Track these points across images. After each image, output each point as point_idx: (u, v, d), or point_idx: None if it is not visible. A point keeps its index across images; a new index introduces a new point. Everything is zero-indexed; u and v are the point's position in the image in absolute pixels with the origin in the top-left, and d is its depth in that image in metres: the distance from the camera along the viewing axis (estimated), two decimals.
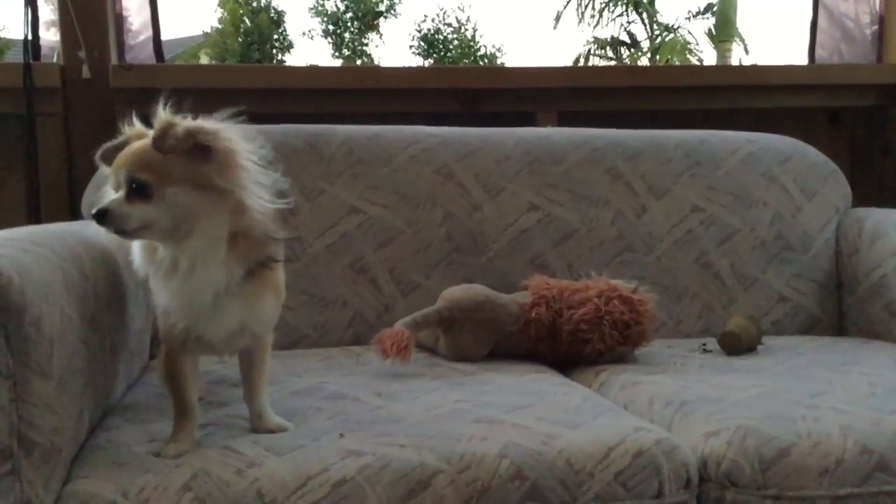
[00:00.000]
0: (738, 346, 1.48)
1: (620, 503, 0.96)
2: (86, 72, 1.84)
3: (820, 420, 1.06)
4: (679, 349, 1.51)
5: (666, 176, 1.73)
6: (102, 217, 0.94)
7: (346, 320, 1.56)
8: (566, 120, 2.03)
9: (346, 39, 9.82)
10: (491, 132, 1.75)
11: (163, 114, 0.98)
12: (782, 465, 0.99)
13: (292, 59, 8.54)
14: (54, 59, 1.88)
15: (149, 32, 2.02)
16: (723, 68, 2.20)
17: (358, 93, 1.96)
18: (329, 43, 9.85)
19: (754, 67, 2.29)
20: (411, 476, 0.92)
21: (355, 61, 9.62)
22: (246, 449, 0.97)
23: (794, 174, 1.80)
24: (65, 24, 1.84)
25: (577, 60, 10.35)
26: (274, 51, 9.41)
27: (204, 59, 9.15)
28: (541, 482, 0.94)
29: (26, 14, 1.87)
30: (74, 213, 1.84)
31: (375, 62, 9.45)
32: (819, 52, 2.27)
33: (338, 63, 9.46)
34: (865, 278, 1.69)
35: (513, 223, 1.65)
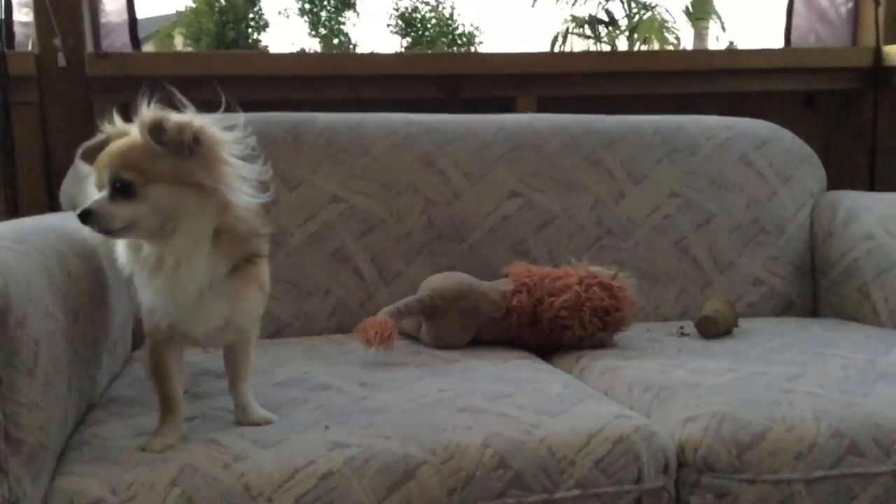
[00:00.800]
0: (714, 329, 1.51)
1: (601, 489, 0.98)
2: (61, 60, 1.82)
3: (794, 404, 1.09)
4: (657, 333, 1.54)
5: (644, 162, 1.75)
6: (87, 217, 0.94)
7: (329, 309, 1.57)
8: (546, 105, 2.03)
9: (323, 18, 9.73)
10: (471, 119, 1.76)
11: (147, 109, 0.97)
12: (757, 449, 1.02)
13: (268, 39, 8.47)
14: (29, 48, 1.85)
15: (124, 17, 2.00)
16: (700, 53, 2.21)
17: (337, 79, 1.96)
18: (305, 22, 9.75)
19: (731, 51, 2.30)
20: (397, 467, 0.94)
21: (332, 40, 9.53)
22: (232, 442, 0.98)
23: (770, 159, 1.82)
24: (39, 11, 1.82)
25: (556, 39, 10.33)
26: (249, 30, 9.30)
27: (178, 39, 9.03)
28: (523, 471, 0.96)
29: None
30: (52, 202, 1.83)
31: (353, 41, 9.36)
32: (795, 35, 2.29)
33: (315, 42, 9.36)
34: (839, 261, 1.72)
35: (493, 210, 1.66)
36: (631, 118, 1.84)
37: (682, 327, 1.57)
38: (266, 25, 9.40)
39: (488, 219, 1.65)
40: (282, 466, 0.93)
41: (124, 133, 1.00)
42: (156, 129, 0.94)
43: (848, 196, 1.80)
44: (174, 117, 0.96)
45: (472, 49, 9.45)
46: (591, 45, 10.22)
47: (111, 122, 1.02)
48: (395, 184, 1.63)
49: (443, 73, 2.00)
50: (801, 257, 1.78)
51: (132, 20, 1.96)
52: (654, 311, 1.69)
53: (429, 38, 9.86)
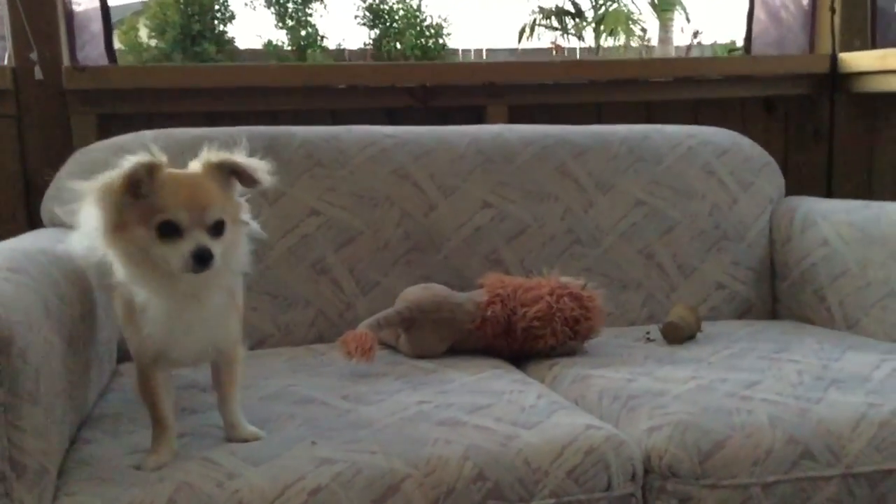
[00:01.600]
0: (679, 335, 1.58)
1: (573, 497, 1.05)
2: (38, 73, 1.84)
3: (752, 412, 1.17)
4: (625, 339, 1.61)
5: (611, 172, 1.82)
6: (208, 261, 0.97)
7: (309, 319, 1.62)
8: (515, 113, 2.09)
9: (290, 10, 9.65)
10: (445, 131, 1.81)
11: (212, 152, 1.04)
12: (718, 456, 1.09)
13: (234, 31, 8.44)
14: (5, 61, 1.86)
15: (99, 27, 2.01)
16: (664, 61, 2.29)
17: (313, 90, 2.00)
18: (272, 13, 9.67)
19: (693, 60, 2.38)
20: (382, 481, 1.00)
21: (300, 32, 9.47)
22: (224, 460, 1.03)
23: (731, 167, 1.90)
24: (15, 24, 1.83)
25: (523, 31, 10.38)
26: (216, 22, 9.21)
27: (143, 31, 8.92)
28: (501, 482, 1.03)
29: None
30: (30, 215, 1.85)
31: (320, 33, 9.32)
32: (755, 42, 2.37)
33: (282, 33, 9.30)
34: (796, 265, 1.81)
35: (467, 221, 1.72)
36: (598, 128, 1.91)
37: (648, 332, 1.64)
38: (232, 17, 9.28)
39: (462, 229, 1.71)
40: (272, 483, 0.98)
41: (165, 165, 1.00)
42: (234, 171, 1.02)
43: (805, 202, 1.88)
44: (238, 159, 1.03)
45: (441, 41, 9.46)
46: (557, 37, 10.28)
47: (149, 151, 1.00)
48: (372, 196, 1.68)
49: (415, 84, 2.05)
50: (760, 262, 1.87)
51: (107, 32, 1.98)
52: (622, 316, 1.76)
53: (396, 30, 9.85)
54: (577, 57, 10.17)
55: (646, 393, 1.25)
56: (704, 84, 2.25)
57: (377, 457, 1.02)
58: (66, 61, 1.87)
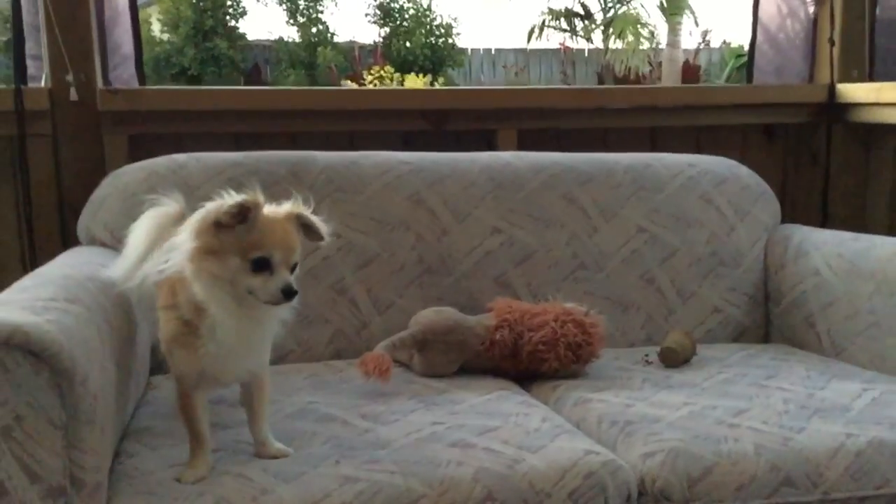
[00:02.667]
0: (675, 359, 1.68)
1: None
2: (73, 94, 1.94)
3: (739, 440, 1.27)
4: (625, 361, 1.71)
5: (615, 200, 1.92)
6: (294, 296, 1.12)
7: (328, 336, 1.72)
8: (525, 137, 2.19)
9: (301, 6, 9.72)
10: (458, 158, 1.91)
11: (295, 204, 1.18)
12: (706, 482, 1.20)
13: (246, 26, 8.53)
14: (42, 83, 1.96)
15: (130, 49, 2.10)
16: (668, 90, 2.39)
17: (333, 114, 2.10)
18: (284, 10, 9.74)
19: (697, 88, 2.48)
20: (399, 500, 1.10)
21: (311, 28, 9.54)
22: (257, 476, 1.13)
23: (729, 196, 2.00)
24: (52, 46, 1.93)
25: (532, 31, 10.45)
26: (227, 17, 9.29)
27: (156, 25, 9.00)
28: (508, 502, 1.13)
29: (14, 37, 1.96)
30: (64, 231, 1.95)
31: (331, 30, 9.39)
32: (757, 72, 2.46)
33: (293, 30, 9.37)
34: (789, 292, 1.91)
35: (478, 246, 1.82)
36: (603, 157, 2.01)
37: (647, 355, 1.74)
38: (244, 13, 9.37)
39: (473, 253, 1.81)
40: (302, 500, 1.09)
41: (261, 204, 1.13)
42: (306, 225, 1.18)
43: (799, 232, 1.98)
44: (314, 217, 1.19)
45: (450, 41, 9.51)
46: (566, 38, 10.35)
47: (252, 190, 1.13)
48: (389, 221, 1.78)
49: (429, 108, 2.15)
50: (755, 287, 1.97)
51: (138, 56, 2.07)
52: (623, 338, 1.86)
53: (406, 29, 9.92)
54: (585, 55, 10.30)
55: (642, 419, 1.35)
56: (707, 112, 2.35)
57: (395, 476, 1.13)
58: (99, 83, 1.97)
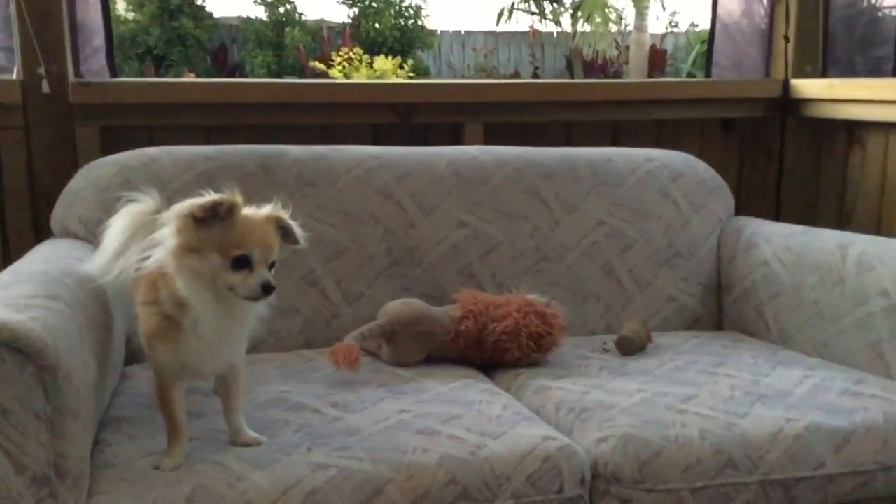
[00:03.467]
0: (631, 348, 1.77)
1: (530, 499, 1.24)
2: (45, 87, 1.96)
3: (686, 425, 1.36)
4: (583, 349, 1.79)
5: (576, 194, 1.99)
6: (272, 291, 1.17)
7: (299, 326, 1.78)
8: (491, 130, 2.26)
9: None
10: (425, 153, 1.97)
11: (275, 208, 1.24)
12: (654, 465, 1.29)
13: (212, 5, 8.46)
14: (14, 75, 1.98)
15: (101, 41, 2.12)
16: (629, 85, 2.46)
17: (303, 106, 2.14)
18: None
19: (658, 83, 2.56)
20: (368, 485, 1.17)
21: (277, 8, 9.49)
22: (233, 463, 1.19)
23: (685, 190, 2.08)
24: (24, 39, 1.95)
25: (501, 13, 10.47)
26: None
27: (121, 4, 8.89)
28: (469, 486, 1.21)
29: None
30: (36, 222, 1.98)
31: (298, 10, 9.35)
32: (715, 68, 2.54)
33: (260, 10, 9.32)
34: (740, 282, 2.00)
35: (444, 238, 1.88)
36: (566, 151, 2.08)
37: (604, 343, 1.82)
38: None
39: (439, 246, 1.88)
40: (275, 485, 1.15)
41: (240, 204, 1.19)
42: (284, 228, 1.24)
43: (750, 224, 2.07)
44: (291, 222, 1.25)
45: (419, 23, 9.52)
46: (535, 21, 10.40)
47: (231, 190, 1.18)
48: (358, 214, 1.84)
49: (398, 101, 2.20)
50: (708, 277, 2.06)
51: (109, 47, 2.10)
52: (583, 326, 1.94)
53: (375, 10, 9.90)
54: (554, 38, 10.34)
55: (597, 406, 1.43)
56: (667, 106, 2.43)
57: (364, 463, 1.20)
58: (71, 75, 1.99)
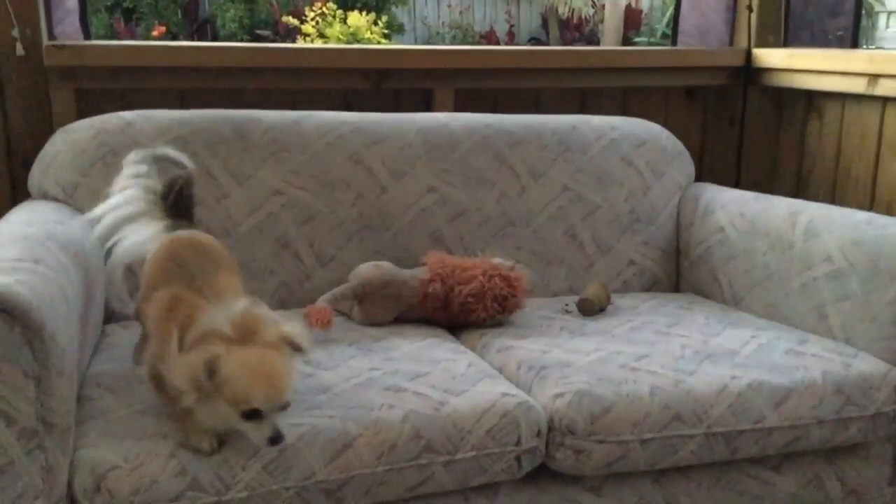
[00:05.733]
0: (592, 309, 1.86)
1: (490, 451, 1.33)
2: (19, 49, 1.97)
3: (637, 382, 1.45)
4: (546, 311, 1.88)
5: (543, 161, 2.06)
6: (281, 441, 1.17)
7: (273, 287, 1.85)
8: (462, 96, 2.31)
9: None
10: (396, 119, 2.02)
11: (279, 326, 1.21)
12: (606, 419, 1.38)
13: None
14: None
15: (74, 3, 2.13)
16: (596, 53, 2.52)
17: (276, 71, 2.18)
18: None
19: (625, 51, 2.61)
20: (338, 440, 1.26)
21: None
22: None
23: (647, 158, 2.16)
24: None
25: None
26: None
27: None
28: (433, 440, 1.30)
29: None
30: (13, 184, 2.01)
31: None
32: (681, 36, 2.60)
33: None
34: (697, 247, 2.10)
35: (414, 203, 1.95)
36: (533, 119, 2.14)
37: (566, 305, 1.91)
38: None
39: (409, 210, 1.94)
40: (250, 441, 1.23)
41: (226, 351, 1.15)
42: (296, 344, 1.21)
43: (708, 190, 2.16)
44: (301, 338, 1.22)
45: None
46: None
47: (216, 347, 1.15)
48: (330, 180, 1.90)
49: (369, 67, 2.24)
50: (667, 242, 2.15)
51: (83, 10, 2.11)
52: (547, 288, 2.03)
53: None
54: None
55: (555, 364, 1.52)
56: (633, 74, 2.49)
57: (334, 420, 1.28)
58: (45, 38, 2.01)
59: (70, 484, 1.16)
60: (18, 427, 1.10)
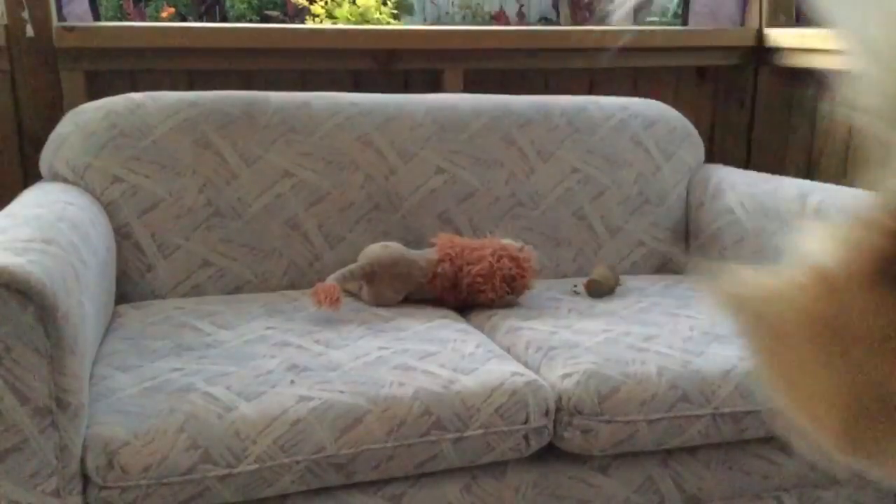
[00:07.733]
0: (600, 290, 1.86)
1: (498, 429, 1.34)
2: (29, 31, 1.98)
3: (645, 363, 1.46)
4: (555, 292, 1.88)
5: (551, 142, 2.06)
6: None
7: (283, 269, 1.85)
8: (471, 77, 2.30)
9: None
10: (405, 100, 2.02)
11: None
12: (614, 398, 1.39)
13: None
14: None
15: None
16: (607, 32, 2.50)
17: (285, 52, 2.17)
18: None
19: (636, 31, 2.59)
20: (348, 415, 1.27)
21: None
22: (222, 395, 1.28)
23: (657, 138, 2.15)
24: None
25: None
26: None
27: None
28: (442, 416, 1.30)
29: None
30: (24, 163, 2.02)
31: None
32: (693, 16, 2.58)
33: None
34: (707, 228, 2.09)
35: (423, 184, 1.95)
36: (542, 100, 2.13)
37: (575, 286, 1.91)
38: None
39: (418, 192, 1.94)
40: (262, 415, 1.24)
41: None
42: None
43: (718, 172, 2.15)
44: None
45: None
46: None
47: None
48: (339, 161, 1.90)
49: (378, 48, 2.23)
50: (677, 223, 2.14)
51: None
52: (556, 269, 2.03)
53: None
54: None
55: (563, 345, 1.53)
56: (644, 54, 2.47)
57: (345, 395, 1.29)
58: (55, 20, 2.01)
59: (83, 461, 1.17)
60: (32, 406, 1.11)
